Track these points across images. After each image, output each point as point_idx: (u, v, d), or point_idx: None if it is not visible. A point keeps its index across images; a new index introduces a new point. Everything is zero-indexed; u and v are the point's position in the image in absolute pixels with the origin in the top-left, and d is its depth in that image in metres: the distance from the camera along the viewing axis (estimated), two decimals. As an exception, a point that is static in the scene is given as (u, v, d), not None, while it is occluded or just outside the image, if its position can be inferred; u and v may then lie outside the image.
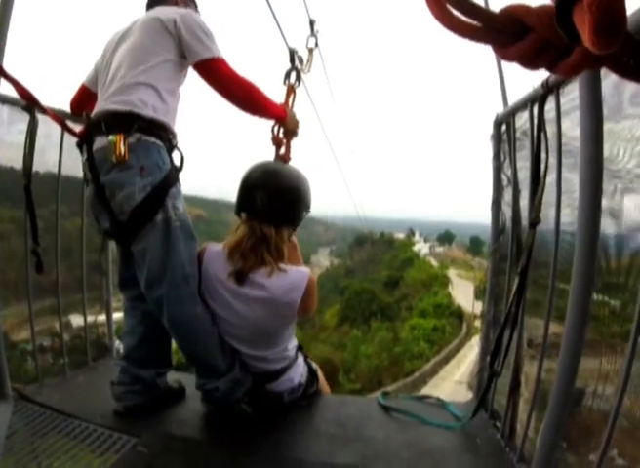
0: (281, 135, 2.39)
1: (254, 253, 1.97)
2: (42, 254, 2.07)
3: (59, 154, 2.47)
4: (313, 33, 2.99)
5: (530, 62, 0.56)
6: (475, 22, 0.53)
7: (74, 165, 2.44)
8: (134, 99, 1.91)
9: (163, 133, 1.99)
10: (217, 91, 2.05)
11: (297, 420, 2.27)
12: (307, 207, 2.14)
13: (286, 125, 2.36)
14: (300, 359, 2.33)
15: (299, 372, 2.27)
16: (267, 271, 1.95)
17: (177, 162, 2.08)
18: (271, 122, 2.35)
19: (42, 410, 2.13)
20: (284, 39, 2.68)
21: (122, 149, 1.84)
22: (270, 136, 2.38)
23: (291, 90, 2.50)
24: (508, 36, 0.54)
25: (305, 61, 2.76)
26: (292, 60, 2.56)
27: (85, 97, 2.28)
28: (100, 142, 1.91)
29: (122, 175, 1.88)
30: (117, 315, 3.18)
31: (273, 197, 1.98)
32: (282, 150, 2.41)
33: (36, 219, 2.06)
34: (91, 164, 1.94)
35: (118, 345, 3.19)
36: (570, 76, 1.38)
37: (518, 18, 0.52)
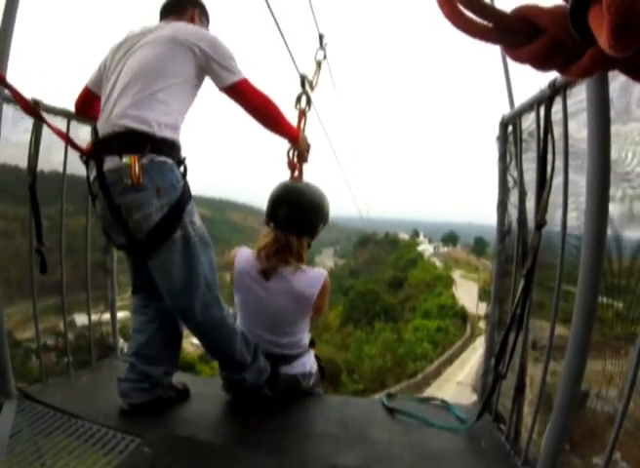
0: (295, 159, 2.56)
1: (277, 255, 2.25)
2: (47, 253, 2.08)
3: (64, 153, 2.47)
4: (322, 46, 3.12)
5: (541, 64, 0.55)
6: (486, 23, 0.52)
7: (79, 164, 2.44)
8: (147, 118, 1.91)
9: (173, 151, 2.01)
10: (244, 108, 2.15)
11: (300, 421, 2.27)
12: (325, 220, 2.39)
13: (298, 146, 2.49)
14: (312, 351, 2.53)
15: (310, 361, 2.47)
16: (291, 270, 2.24)
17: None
18: (285, 142, 2.48)
19: (46, 410, 2.13)
20: (294, 65, 2.90)
21: (137, 171, 1.84)
22: (286, 160, 2.56)
23: (302, 114, 2.67)
24: (520, 37, 0.53)
25: (313, 74, 2.90)
26: (302, 85, 2.74)
27: (89, 100, 2.28)
28: (111, 162, 1.90)
29: (138, 196, 1.89)
30: (121, 314, 3.18)
31: (295, 211, 2.25)
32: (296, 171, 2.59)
33: (41, 219, 2.07)
34: (102, 183, 1.93)
35: (122, 344, 3.20)
36: (581, 78, 1.37)
37: (530, 18, 0.52)
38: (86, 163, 2.04)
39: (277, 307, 2.25)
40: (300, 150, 2.51)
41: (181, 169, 2.09)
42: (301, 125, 2.66)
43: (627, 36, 0.41)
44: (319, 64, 2.99)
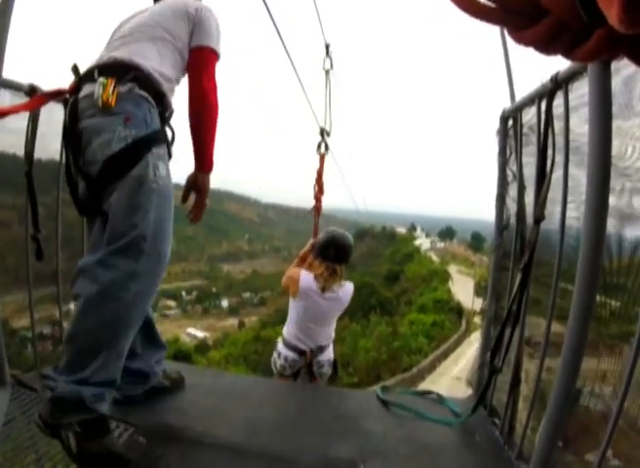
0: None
1: (330, 278, 3.09)
2: (43, 242, 2.05)
3: (61, 140, 2.43)
4: (328, 55, 3.60)
5: (545, 47, 0.53)
6: (491, 4, 0.51)
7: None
8: (138, 56, 1.81)
9: (158, 96, 1.86)
10: (192, 83, 1.98)
11: (295, 412, 2.28)
12: (352, 253, 3.29)
13: (201, 175, 2.07)
14: (332, 345, 3.32)
15: (332, 351, 3.28)
16: (337, 286, 3.12)
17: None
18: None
19: (40, 398, 2.12)
20: (315, 119, 3.58)
21: (110, 92, 1.66)
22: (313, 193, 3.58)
23: (322, 158, 3.50)
24: (524, 18, 0.52)
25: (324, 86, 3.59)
26: (321, 135, 3.51)
27: None
28: (88, 89, 1.75)
29: (103, 120, 1.70)
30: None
31: (338, 251, 3.13)
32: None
33: (37, 205, 2.05)
34: (73, 111, 1.77)
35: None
36: (586, 62, 1.35)
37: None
38: (65, 105, 1.87)
39: (328, 310, 3.14)
40: (197, 182, 2.07)
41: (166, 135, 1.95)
42: (322, 166, 3.49)
43: (638, 10, 0.39)
44: (327, 73, 3.55)
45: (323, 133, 3.49)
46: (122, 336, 1.71)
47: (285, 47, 3.15)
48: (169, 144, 1.94)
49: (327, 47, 3.60)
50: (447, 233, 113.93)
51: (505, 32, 0.56)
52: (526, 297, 1.90)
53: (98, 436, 1.63)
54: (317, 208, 3.57)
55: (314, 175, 3.61)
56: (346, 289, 3.23)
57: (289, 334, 3.11)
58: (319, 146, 3.48)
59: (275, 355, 3.14)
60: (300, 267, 3.26)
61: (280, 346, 3.14)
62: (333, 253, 3.14)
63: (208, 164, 2.07)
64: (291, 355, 3.04)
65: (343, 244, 3.22)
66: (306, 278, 3.11)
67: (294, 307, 3.14)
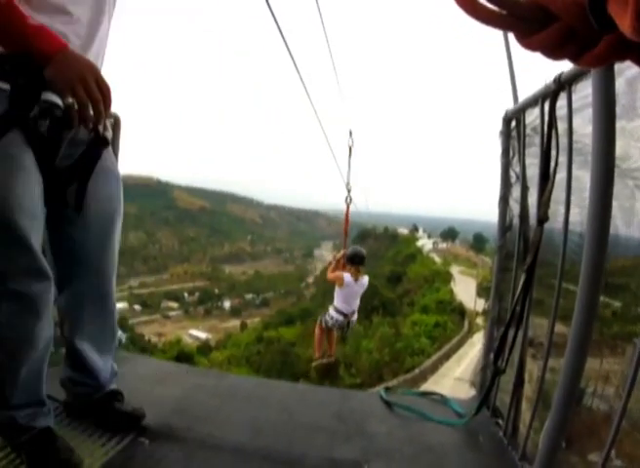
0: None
1: (357, 274, 4.86)
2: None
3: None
4: (350, 136, 5.16)
5: (553, 52, 0.54)
6: (499, 9, 0.51)
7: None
8: None
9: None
10: None
11: (298, 414, 2.27)
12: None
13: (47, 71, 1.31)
14: (356, 312, 5.17)
15: (356, 314, 5.13)
16: (361, 277, 4.91)
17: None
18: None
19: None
20: (346, 184, 5.11)
21: None
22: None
23: (348, 206, 5.10)
24: (532, 24, 0.52)
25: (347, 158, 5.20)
26: (349, 191, 5.07)
27: None
28: None
29: None
30: (120, 305, 3.16)
31: (361, 259, 4.95)
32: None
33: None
34: None
35: (121, 335, 3.17)
36: (594, 67, 1.35)
37: (543, 5, 0.51)
38: None
39: (358, 290, 4.94)
40: (57, 75, 1.31)
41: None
42: (348, 211, 5.12)
43: None
44: (350, 149, 5.17)
45: (350, 190, 5.11)
46: (17, 365, 1.63)
47: (292, 57, 3.46)
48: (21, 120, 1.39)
49: (350, 132, 5.15)
50: (449, 234, 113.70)
51: (511, 36, 0.56)
52: (529, 298, 1.90)
53: (43, 448, 1.64)
54: (345, 232, 5.24)
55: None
56: (365, 278, 5.04)
57: (339, 305, 4.91)
58: (346, 199, 5.06)
59: (327, 317, 4.99)
60: (338, 269, 4.99)
61: (332, 312, 4.97)
62: (358, 261, 4.96)
63: (27, 45, 1.28)
64: (340, 318, 4.92)
65: (363, 255, 5.07)
66: (347, 276, 4.86)
67: (340, 291, 4.90)
